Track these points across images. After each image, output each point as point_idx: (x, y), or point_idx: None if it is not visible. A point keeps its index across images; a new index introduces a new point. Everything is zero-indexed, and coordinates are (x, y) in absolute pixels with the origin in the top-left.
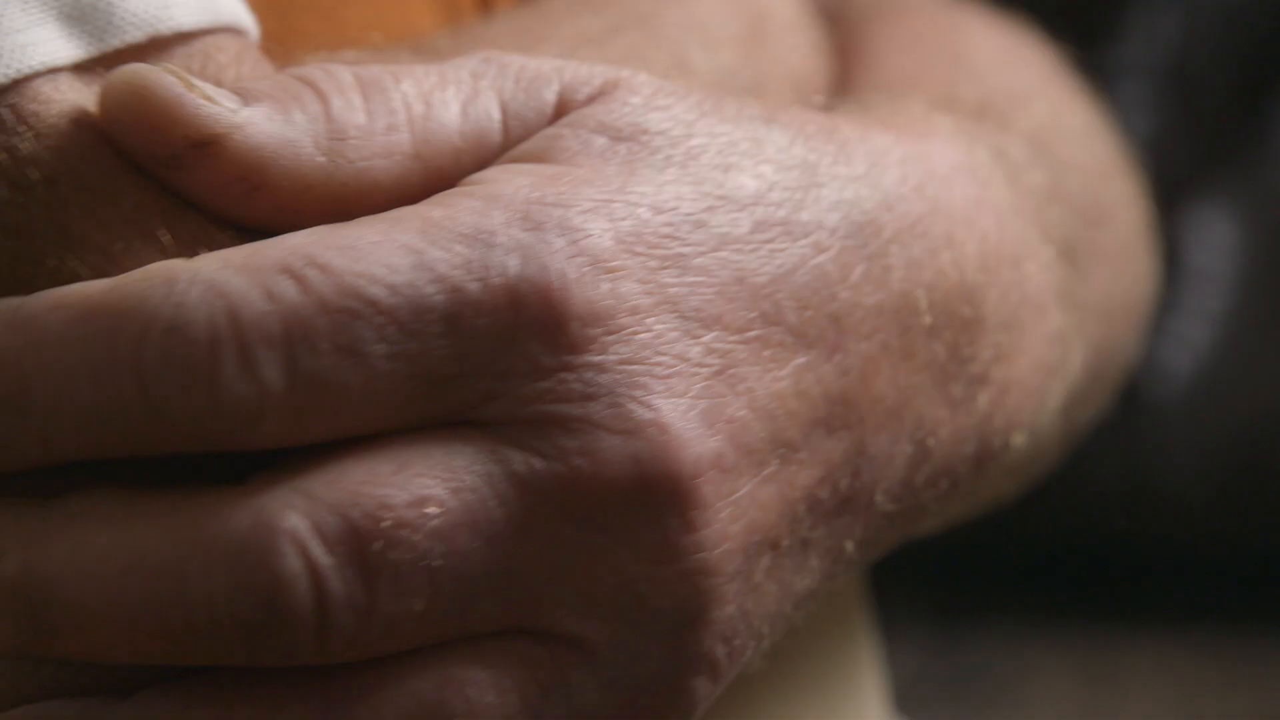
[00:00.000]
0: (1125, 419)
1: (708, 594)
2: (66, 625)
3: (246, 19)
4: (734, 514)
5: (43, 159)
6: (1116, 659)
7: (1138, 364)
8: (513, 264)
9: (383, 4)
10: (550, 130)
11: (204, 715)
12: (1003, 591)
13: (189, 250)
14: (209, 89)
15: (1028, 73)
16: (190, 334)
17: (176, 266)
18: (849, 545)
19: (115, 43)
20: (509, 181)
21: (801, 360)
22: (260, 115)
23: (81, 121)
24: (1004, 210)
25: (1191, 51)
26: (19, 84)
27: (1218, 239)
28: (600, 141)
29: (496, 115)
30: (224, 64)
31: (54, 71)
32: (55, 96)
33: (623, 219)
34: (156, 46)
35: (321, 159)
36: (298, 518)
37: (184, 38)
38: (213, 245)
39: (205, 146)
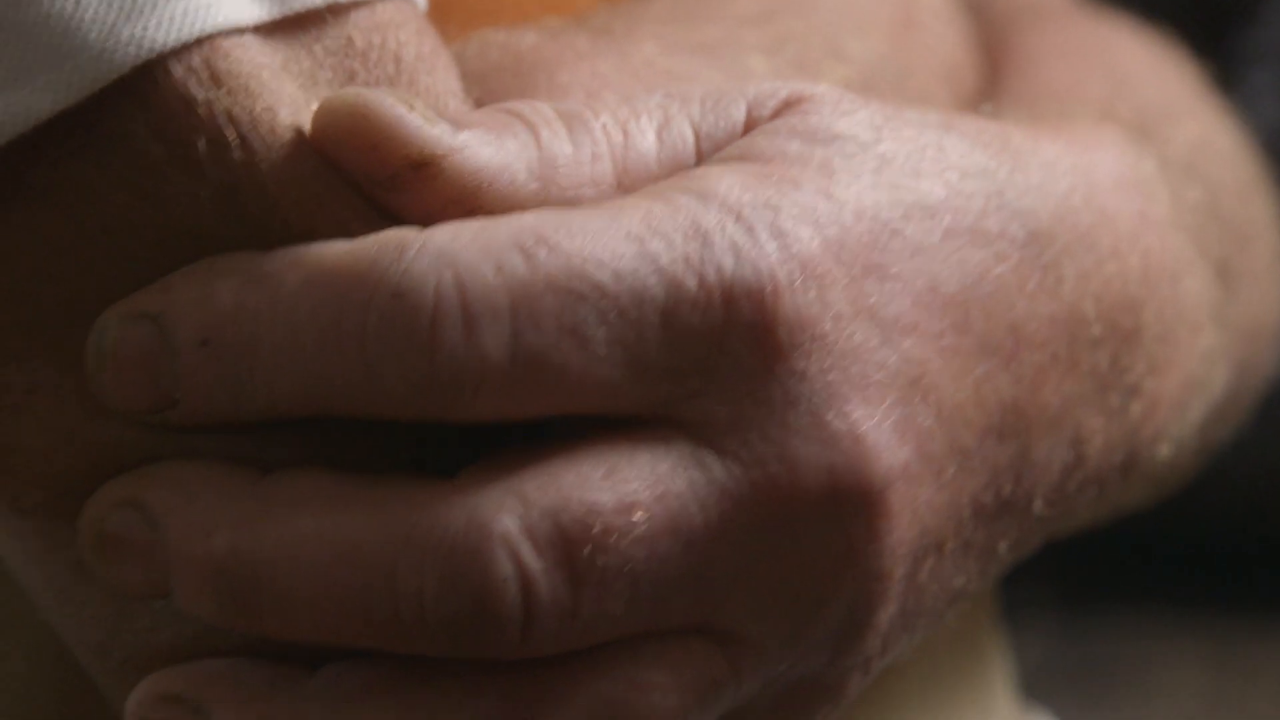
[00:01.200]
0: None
1: (878, 597)
2: (270, 608)
3: None
4: (912, 521)
5: (236, 116)
6: (1246, 647)
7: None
8: (728, 263)
9: None
10: (746, 139)
11: (390, 704)
12: (1131, 579)
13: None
14: (428, 111)
15: (1177, 89)
16: (414, 301)
17: (409, 235)
18: (1002, 546)
19: (297, 6)
20: (720, 179)
21: (982, 369)
22: (477, 139)
23: (269, 83)
24: (1166, 225)
25: None
26: (208, 42)
27: None
28: (796, 145)
29: (690, 138)
30: (404, 40)
31: (238, 32)
32: (244, 56)
33: (828, 225)
34: (334, 12)
35: (535, 185)
36: (511, 520)
37: (361, 5)
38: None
39: (425, 167)
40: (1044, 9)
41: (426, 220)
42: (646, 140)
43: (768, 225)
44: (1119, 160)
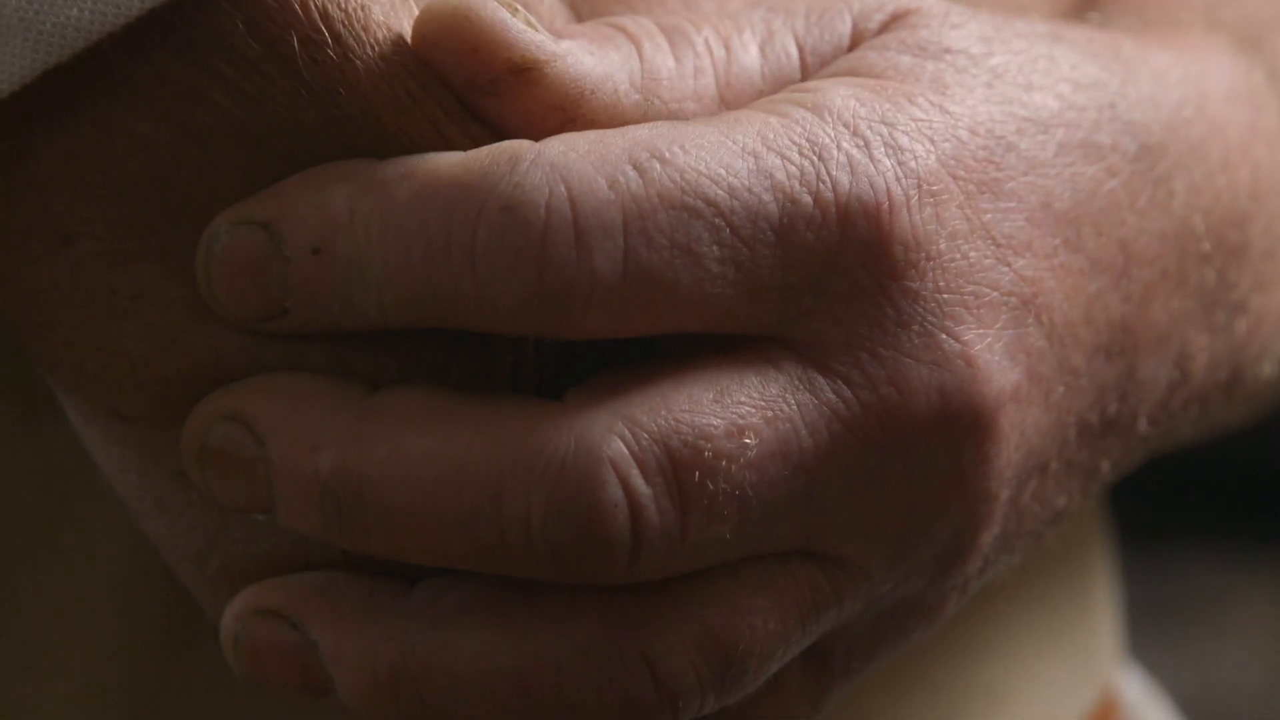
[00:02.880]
0: None
1: (984, 519)
2: (376, 527)
3: None
4: (1020, 443)
5: (331, 14)
6: None
7: None
8: (843, 180)
9: None
10: (854, 54)
11: (490, 623)
12: (1203, 517)
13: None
14: (530, 17)
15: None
16: (525, 215)
17: (523, 147)
18: (1105, 465)
19: None
20: (835, 92)
21: (1093, 287)
22: (580, 48)
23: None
24: (1276, 137)
25: None
26: None
27: None
28: (907, 60)
29: (794, 52)
30: None
31: None
32: None
33: (944, 140)
34: None
35: (637, 97)
36: (619, 445)
37: None
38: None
39: (526, 72)
40: None
41: (526, 128)
42: (750, 55)
43: (884, 141)
44: (1230, 70)
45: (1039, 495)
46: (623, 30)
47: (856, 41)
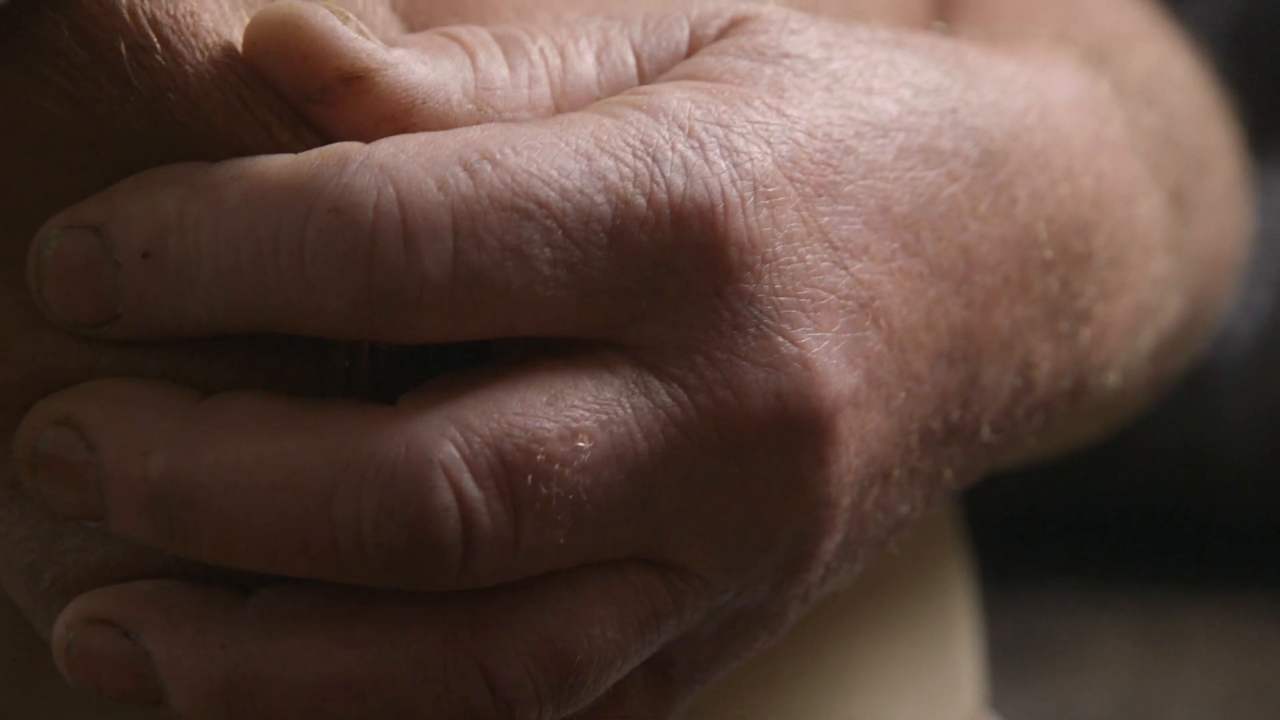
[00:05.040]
0: (1185, 382)
1: (825, 526)
2: (206, 533)
3: None
4: (859, 448)
5: (159, 20)
6: (1174, 623)
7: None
8: (678, 181)
9: None
10: (691, 60)
11: (325, 631)
12: (1058, 555)
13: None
14: (362, 26)
15: (1132, 17)
16: (353, 216)
17: (352, 149)
18: (948, 474)
19: None
20: (670, 94)
21: (934, 292)
22: (411, 57)
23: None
24: (1121, 147)
25: (1256, 16)
26: None
27: None
28: (744, 64)
29: (631, 60)
30: None
31: None
32: None
33: (781, 143)
34: None
35: (470, 106)
36: (451, 448)
37: None
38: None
39: (357, 81)
40: None
41: (358, 137)
42: (585, 63)
43: (719, 142)
44: (1074, 80)
45: (882, 502)
46: (456, 40)
47: (694, 48)
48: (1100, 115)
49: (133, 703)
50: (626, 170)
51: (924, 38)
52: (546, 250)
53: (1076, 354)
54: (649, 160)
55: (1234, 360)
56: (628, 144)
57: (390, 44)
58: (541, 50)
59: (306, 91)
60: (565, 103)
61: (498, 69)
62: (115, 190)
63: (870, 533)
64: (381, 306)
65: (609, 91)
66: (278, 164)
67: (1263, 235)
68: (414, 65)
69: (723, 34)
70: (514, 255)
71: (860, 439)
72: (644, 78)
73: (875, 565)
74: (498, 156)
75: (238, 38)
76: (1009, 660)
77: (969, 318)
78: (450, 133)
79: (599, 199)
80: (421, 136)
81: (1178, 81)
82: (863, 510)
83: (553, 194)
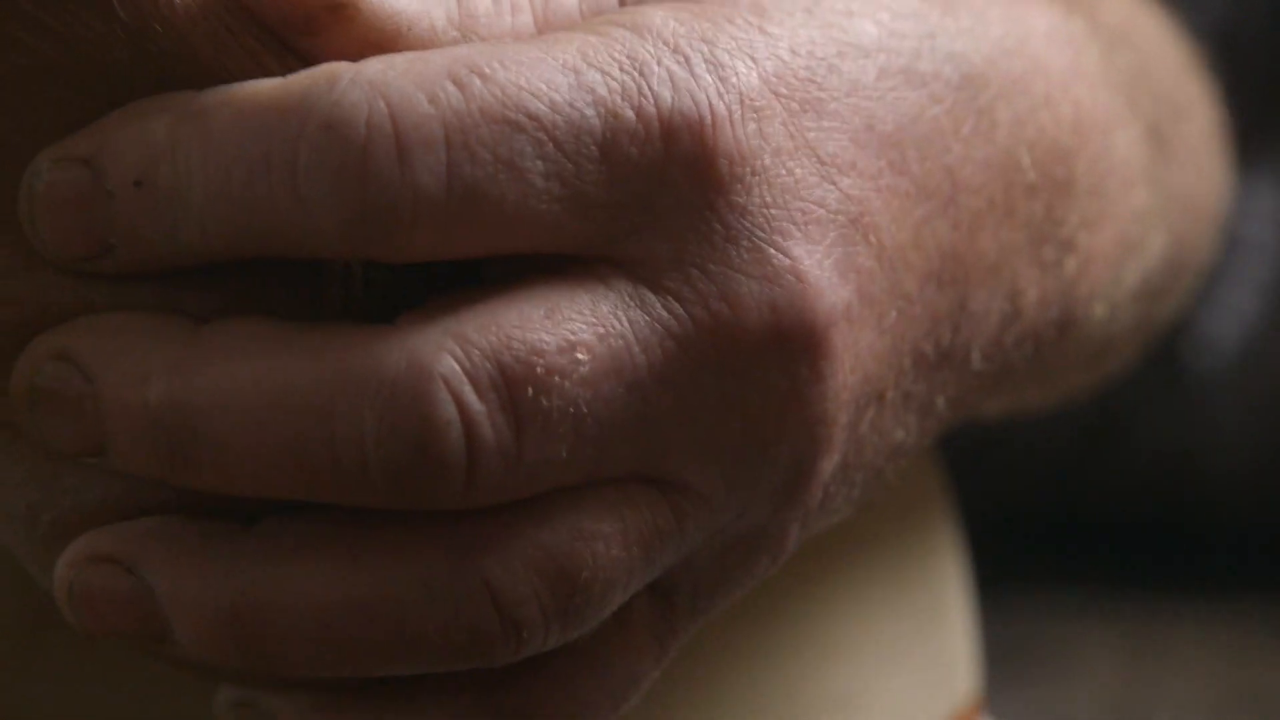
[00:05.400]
0: (1171, 387)
1: (821, 443)
2: (206, 458)
3: None
4: (854, 365)
5: None
6: (1161, 629)
7: (1184, 329)
8: (665, 95)
9: None
10: None
11: (329, 556)
12: (1044, 562)
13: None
14: None
15: None
16: (345, 133)
17: (340, 67)
18: (940, 401)
19: None
20: (653, 13)
21: (921, 212)
22: None
23: None
24: (1096, 79)
25: (1240, 19)
26: None
27: (1266, 208)
28: None
29: None
30: None
31: None
32: None
33: (765, 59)
34: None
35: (455, 34)
36: (451, 362)
37: None
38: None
39: (341, 9)
40: None
41: None
42: None
43: (704, 58)
44: (1047, 15)
45: (877, 425)
46: None
47: None
48: (1075, 46)
49: (138, 641)
50: (614, 84)
51: None
52: (539, 163)
53: (1062, 283)
54: (636, 74)
55: (1221, 366)
56: (614, 59)
57: None
58: None
59: (291, 21)
60: (548, 29)
61: None
62: (105, 122)
63: (867, 457)
64: (376, 222)
65: (591, 16)
66: (267, 86)
67: (1247, 241)
68: None
69: None
70: (507, 168)
71: (854, 355)
72: (624, 2)
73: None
74: (486, 71)
75: None
76: (999, 665)
77: (956, 240)
78: (439, 50)
79: (588, 112)
80: (410, 54)
81: (1152, 32)
82: (859, 432)
83: (542, 107)
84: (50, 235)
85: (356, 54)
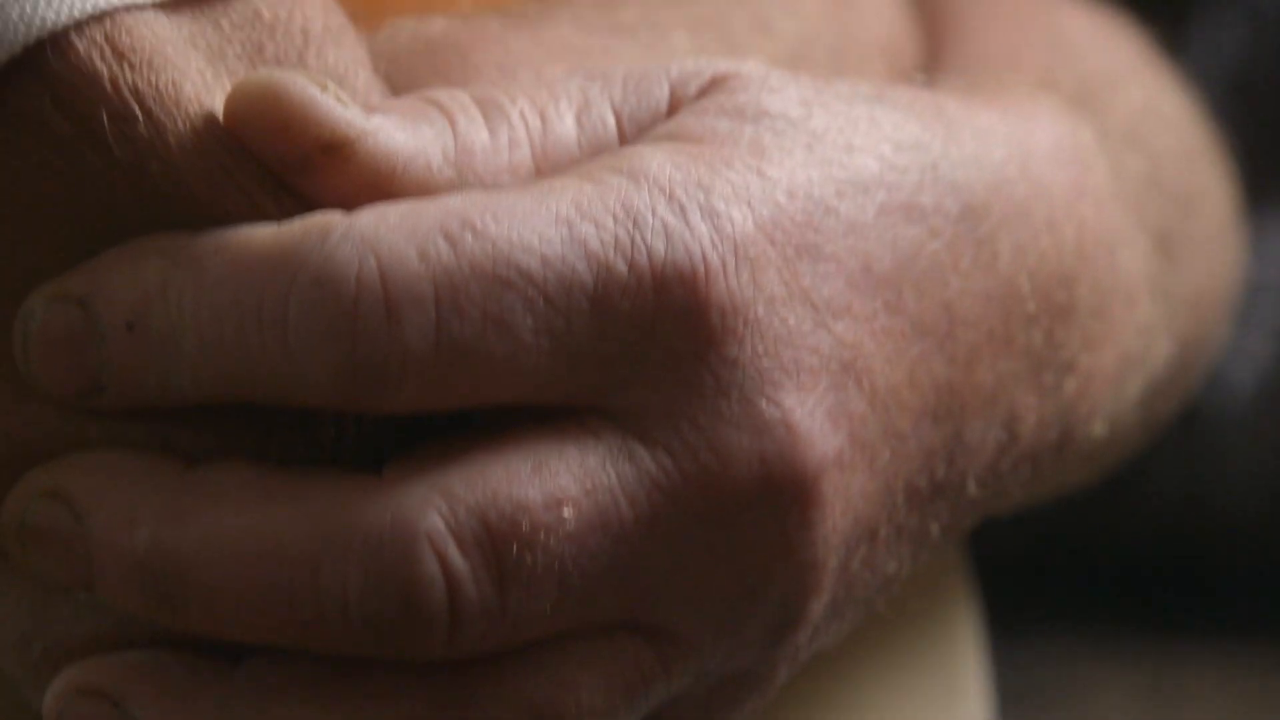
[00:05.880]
0: (1186, 432)
1: (811, 588)
2: (194, 604)
3: None
4: (844, 509)
5: (142, 90)
6: (1176, 673)
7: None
8: (659, 246)
9: None
10: (672, 120)
11: (314, 700)
12: (1059, 605)
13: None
14: (341, 94)
15: (1121, 55)
16: (335, 288)
17: (333, 220)
18: (935, 529)
19: None
20: (651, 157)
21: (916, 350)
22: (391, 124)
23: (174, 57)
24: (1103, 195)
25: (1257, 63)
26: (109, 19)
27: None
28: (725, 124)
29: (611, 121)
30: (310, 15)
31: (140, 8)
32: (147, 32)
33: (762, 204)
34: None
35: (451, 172)
36: (436, 519)
37: None
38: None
39: (337, 150)
40: None
41: (339, 204)
42: (566, 124)
43: (700, 205)
44: (1055, 128)
45: (869, 561)
46: (436, 104)
47: (675, 107)
48: (1082, 163)
49: None
50: (608, 236)
51: (904, 91)
52: (529, 319)
53: (1062, 405)
54: (630, 225)
55: (1236, 410)
56: (609, 209)
57: (371, 110)
58: (522, 113)
59: (287, 161)
60: (546, 164)
61: (478, 133)
62: (99, 262)
63: (858, 592)
64: (364, 378)
65: (590, 152)
66: (260, 235)
67: (1262, 284)
68: (393, 132)
69: (703, 93)
70: (496, 325)
71: (845, 500)
72: (624, 138)
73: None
74: (479, 225)
75: (219, 106)
76: (1015, 710)
77: (952, 374)
78: (432, 200)
79: (580, 266)
80: (403, 205)
81: (1166, 121)
82: (850, 570)
83: (534, 262)
84: (43, 373)
85: (353, 194)
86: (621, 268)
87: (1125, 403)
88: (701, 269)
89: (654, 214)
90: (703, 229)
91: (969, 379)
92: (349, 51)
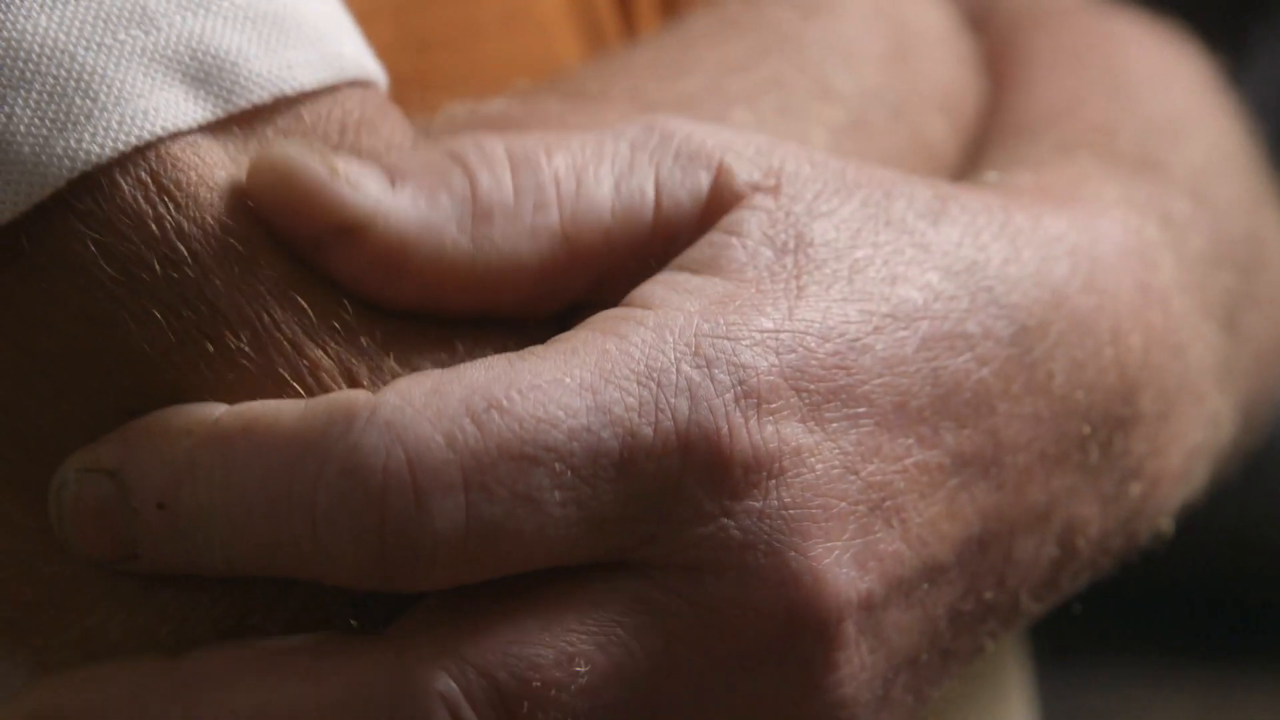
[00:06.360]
0: (1243, 463)
1: None
2: None
3: (373, 69)
4: (874, 645)
5: (188, 231)
6: (1235, 702)
7: None
8: (682, 407)
9: (523, 36)
10: (718, 238)
11: None
12: (1118, 635)
13: (327, 322)
14: (354, 171)
15: (1183, 92)
16: (363, 478)
17: (359, 401)
18: (989, 644)
19: (241, 103)
20: (680, 306)
21: (955, 481)
22: (405, 201)
23: (220, 188)
24: (1170, 293)
25: None
26: (153, 150)
27: None
28: (767, 254)
29: (650, 193)
30: (349, 108)
31: (184, 134)
32: (192, 161)
33: (790, 351)
34: (283, 105)
35: (465, 242)
36: (448, 680)
37: (310, 96)
38: (348, 312)
39: (348, 234)
40: (1047, 9)
41: (354, 282)
42: (603, 189)
43: (726, 359)
44: (1122, 229)
45: (912, 686)
46: (461, 162)
47: (715, 196)
48: (1147, 264)
49: None
50: (631, 400)
51: (972, 198)
52: (556, 493)
53: (1125, 511)
54: (654, 386)
55: None
56: (633, 371)
57: (391, 169)
58: (556, 173)
59: (301, 240)
60: (574, 229)
61: (500, 195)
62: (130, 433)
63: (901, 714)
64: (394, 564)
65: (622, 220)
66: (287, 416)
67: None
68: (406, 210)
69: (751, 191)
70: (524, 502)
71: (875, 637)
72: (660, 212)
73: None
74: (504, 403)
75: (266, 242)
76: None
77: (1000, 499)
78: (456, 377)
79: (605, 434)
80: (427, 384)
81: (1228, 166)
82: (890, 698)
83: (560, 436)
84: (78, 540)
85: (367, 272)
86: (646, 432)
87: (1193, 489)
88: (724, 426)
89: (678, 371)
90: (727, 383)
91: (1019, 500)
92: (386, 135)
